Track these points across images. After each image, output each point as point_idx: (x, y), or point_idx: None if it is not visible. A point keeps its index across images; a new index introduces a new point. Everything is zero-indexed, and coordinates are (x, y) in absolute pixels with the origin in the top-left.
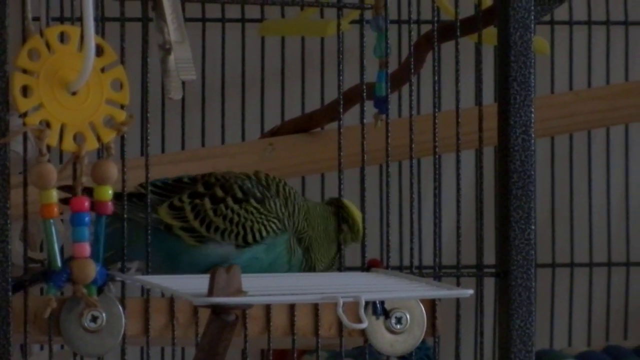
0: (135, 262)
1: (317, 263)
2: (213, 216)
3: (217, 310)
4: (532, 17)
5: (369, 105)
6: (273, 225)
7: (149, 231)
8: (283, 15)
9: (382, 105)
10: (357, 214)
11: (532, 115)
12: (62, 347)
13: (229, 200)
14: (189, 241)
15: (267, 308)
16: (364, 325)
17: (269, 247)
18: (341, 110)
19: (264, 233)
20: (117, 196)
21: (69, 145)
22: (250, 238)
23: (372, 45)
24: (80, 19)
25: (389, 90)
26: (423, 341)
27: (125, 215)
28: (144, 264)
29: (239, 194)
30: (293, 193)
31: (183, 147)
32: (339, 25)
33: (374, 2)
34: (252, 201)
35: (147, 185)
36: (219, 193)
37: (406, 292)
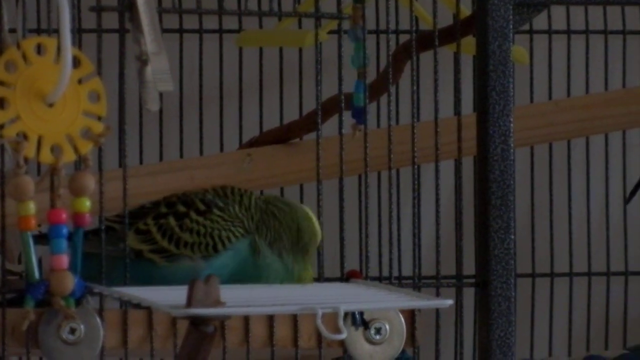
0: None
1: (294, 266)
2: (180, 232)
3: (196, 322)
4: (511, 27)
5: (347, 116)
6: (238, 230)
7: (121, 261)
8: (261, 26)
9: (360, 115)
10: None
11: (511, 124)
12: (40, 359)
13: (192, 214)
14: (161, 262)
15: (246, 319)
16: (343, 336)
17: (235, 252)
18: (319, 120)
19: (232, 239)
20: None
21: (46, 157)
22: (220, 246)
23: (350, 55)
24: (57, 31)
25: (367, 100)
26: (403, 351)
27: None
28: None
29: (201, 206)
30: (254, 199)
31: (161, 159)
32: (316, 35)
33: (351, 13)
34: (215, 210)
35: (124, 197)
36: (181, 209)
37: (385, 303)
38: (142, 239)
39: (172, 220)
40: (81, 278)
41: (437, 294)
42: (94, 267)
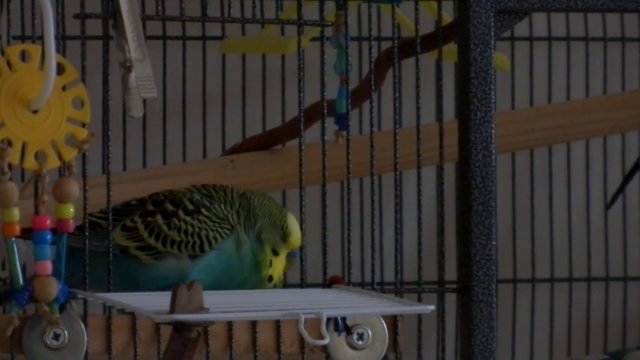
0: None
1: (268, 245)
2: (167, 230)
3: (179, 328)
4: (492, 34)
5: (330, 122)
6: (225, 231)
7: (107, 257)
8: (244, 33)
9: (342, 122)
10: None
11: (493, 131)
12: None
13: (181, 213)
14: (146, 260)
15: (229, 325)
16: (325, 342)
17: (221, 252)
18: (302, 127)
19: (219, 239)
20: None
21: (30, 163)
22: (206, 246)
23: (333, 62)
24: (41, 38)
25: (350, 107)
26: (385, 357)
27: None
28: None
29: (190, 206)
30: (236, 192)
31: (144, 165)
32: (299, 42)
33: (334, 19)
34: (203, 210)
35: (108, 203)
36: (170, 207)
37: (368, 309)
38: (129, 235)
39: (159, 219)
40: (67, 272)
41: (419, 300)
42: (80, 262)
